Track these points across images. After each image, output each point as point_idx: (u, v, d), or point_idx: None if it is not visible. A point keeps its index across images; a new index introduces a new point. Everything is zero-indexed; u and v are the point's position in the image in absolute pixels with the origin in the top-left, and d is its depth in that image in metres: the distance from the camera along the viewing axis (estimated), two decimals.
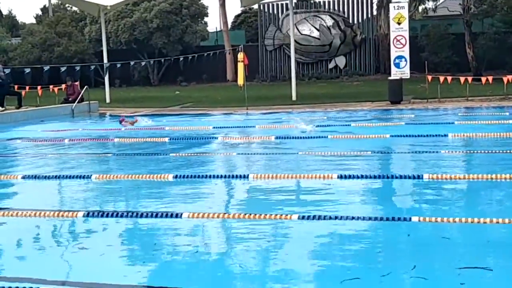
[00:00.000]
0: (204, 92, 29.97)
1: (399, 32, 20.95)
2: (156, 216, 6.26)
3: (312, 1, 34.37)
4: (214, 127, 14.46)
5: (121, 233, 6.05)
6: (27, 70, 17.96)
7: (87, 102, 20.44)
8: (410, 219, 5.74)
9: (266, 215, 6.10)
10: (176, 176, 8.26)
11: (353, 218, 5.87)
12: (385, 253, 5.21)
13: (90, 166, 9.92)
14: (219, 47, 36.02)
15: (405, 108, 18.05)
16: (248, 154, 10.45)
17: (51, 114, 18.45)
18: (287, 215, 6.06)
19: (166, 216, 6.24)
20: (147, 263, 5.06)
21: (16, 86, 21.40)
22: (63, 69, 20.89)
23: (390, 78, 20.56)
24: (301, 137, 11.97)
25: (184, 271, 4.86)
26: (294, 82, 23.40)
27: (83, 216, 6.40)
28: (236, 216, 6.17)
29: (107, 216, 6.38)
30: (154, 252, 5.26)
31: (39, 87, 22.35)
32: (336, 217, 5.91)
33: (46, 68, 18.88)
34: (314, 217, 5.95)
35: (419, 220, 5.70)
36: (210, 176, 8.31)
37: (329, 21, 33.55)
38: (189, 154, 10.66)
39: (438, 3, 35.87)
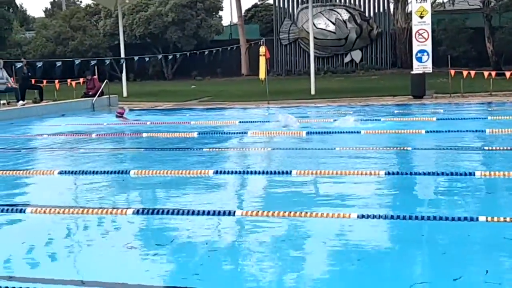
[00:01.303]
0: (220, 86, 29.77)
1: (421, 26, 20.68)
2: (208, 214, 6.06)
3: None
4: (240, 122, 14.25)
5: (169, 232, 5.84)
6: (58, 64, 17.81)
7: (107, 96, 20.28)
8: (477, 219, 5.52)
9: (323, 213, 5.90)
10: (216, 172, 8.07)
11: (416, 217, 5.66)
12: (451, 255, 4.99)
13: (126, 161, 9.75)
14: (234, 41, 35.81)
15: (430, 103, 17.80)
16: (284, 149, 10.21)
17: (72, 108, 18.29)
18: (345, 213, 5.85)
19: (219, 214, 6.04)
20: (200, 264, 4.88)
21: (33, 80, 21.25)
22: (91, 63, 20.77)
23: (412, 72, 20.29)
24: (334, 132, 11.75)
25: (242, 273, 4.68)
26: (313, 76, 23.20)
27: (132, 213, 6.21)
28: (287, 215, 5.95)
29: (153, 213, 6.19)
30: (209, 253, 5.07)
31: (56, 81, 22.20)
32: (398, 217, 5.70)
33: (77, 61, 18.71)
34: (374, 216, 5.75)
35: (486, 220, 5.49)
36: (251, 172, 8.10)
37: (345, 15, 33.27)
38: (222, 149, 10.48)
39: None
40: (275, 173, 7.92)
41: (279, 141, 11.22)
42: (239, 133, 12.22)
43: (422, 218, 5.64)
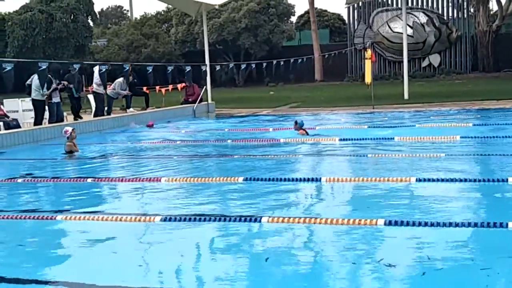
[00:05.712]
0: (298, 92, 29.27)
1: None
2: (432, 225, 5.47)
3: None
4: (369, 127, 13.65)
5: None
6: (170, 68, 17.57)
7: (206, 102, 19.95)
8: None
9: None
10: (419, 180, 7.46)
11: None
12: None
13: (293, 168, 9.24)
14: (304, 46, 35.33)
15: None
16: (456, 155, 9.51)
17: (175, 115, 18.01)
18: None
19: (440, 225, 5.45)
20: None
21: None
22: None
23: None
24: (489, 137, 11.06)
25: None
26: (406, 81, 22.60)
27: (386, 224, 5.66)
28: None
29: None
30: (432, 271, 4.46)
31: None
32: None
33: (189, 68, 18.44)
34: None
35: None
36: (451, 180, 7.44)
37: (423, 18, 32.47)
38: (384, 155, 9.88)
39: None
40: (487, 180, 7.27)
41: (437, 146, 10.54)
42: (387, 138, 11.58)
43: None
